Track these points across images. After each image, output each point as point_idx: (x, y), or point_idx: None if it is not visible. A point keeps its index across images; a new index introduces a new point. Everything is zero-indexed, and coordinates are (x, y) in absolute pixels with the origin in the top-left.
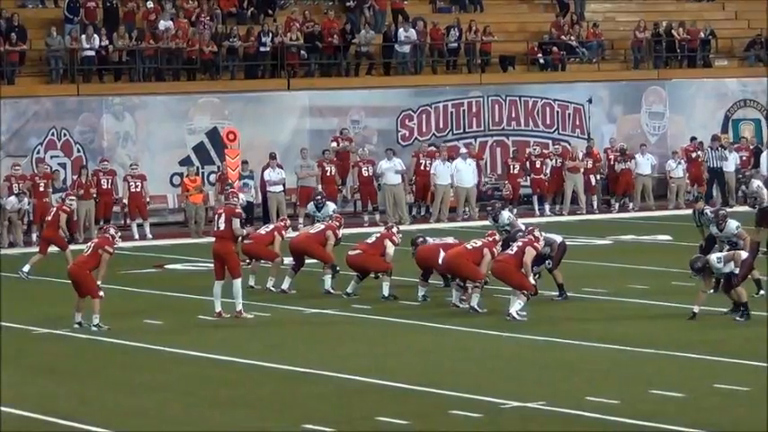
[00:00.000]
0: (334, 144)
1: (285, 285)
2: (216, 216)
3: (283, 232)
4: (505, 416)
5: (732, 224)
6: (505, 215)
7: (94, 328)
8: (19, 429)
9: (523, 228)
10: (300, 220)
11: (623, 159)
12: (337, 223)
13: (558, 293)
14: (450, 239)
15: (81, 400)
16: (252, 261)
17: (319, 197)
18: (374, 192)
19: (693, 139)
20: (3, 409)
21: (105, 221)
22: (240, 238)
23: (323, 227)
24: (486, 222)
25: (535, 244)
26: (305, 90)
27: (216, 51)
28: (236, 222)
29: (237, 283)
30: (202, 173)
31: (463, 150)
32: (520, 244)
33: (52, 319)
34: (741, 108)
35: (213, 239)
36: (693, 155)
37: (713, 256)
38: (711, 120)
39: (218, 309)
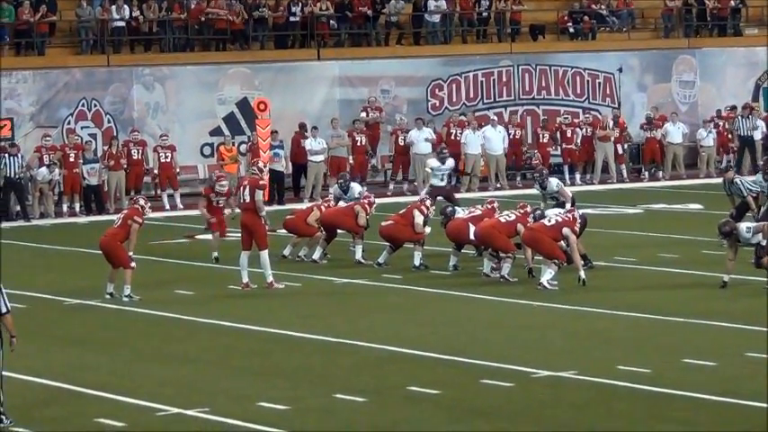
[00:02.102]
0: (364, 114)
1: (316, 255)
2: (241, 188)
3: (368, 208)
4: (536, 385)
5: None
6: (554, 182)
7: (126, 299)
8: (49, 399)
9: (570, 194)
10: (331, 190)
11: (650, 128)
12: (368, 206)
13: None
14: (477, 211)
15: (111, 370)
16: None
17: (342, 180)
18: (408, 162)
19: (734, 107)
20: (33, 379)
21: (136, 192)
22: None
23: (352, 203)
24: (516, 192)
25: (574, 227)
26: (335, 60)
27: (246, 21)
28: (259, 194)
29: (264, 254)
30: (232, 143)
31: (492, 117)
32: (560, 220)
33: (83, 289)
34: None
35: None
36: (721, 123)
37: (743, 225)
38: (742, 88)
39: (245, 279)
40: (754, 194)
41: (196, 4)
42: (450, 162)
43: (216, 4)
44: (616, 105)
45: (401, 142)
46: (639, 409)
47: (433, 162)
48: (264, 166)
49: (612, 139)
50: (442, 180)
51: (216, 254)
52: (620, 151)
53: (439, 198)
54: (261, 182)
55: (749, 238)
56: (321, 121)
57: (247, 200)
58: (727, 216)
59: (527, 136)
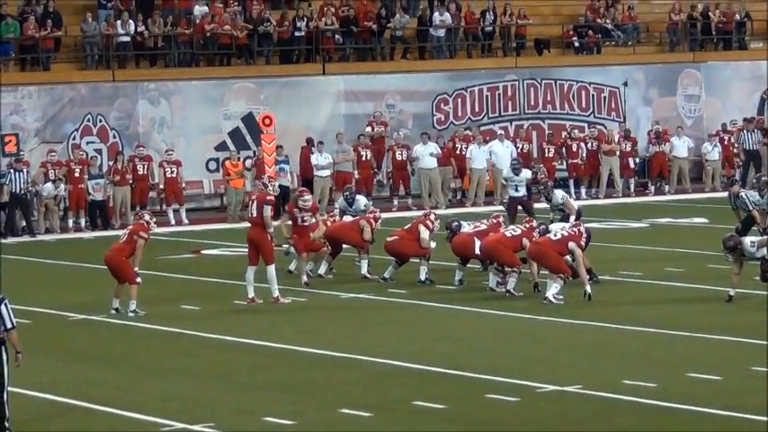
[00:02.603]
0: (369, 129)
1: (322, 270)
2: (250, 202)
3: (373, 223)
4: (542, 399)
5: None
6: (559, 194)
7: (131, 314)
8: (54, 414)
9: (575, 206)
10: (336, 204)
11: (657, 142)
12: (373, 220)
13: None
14: (483, 225)
15: (116, 385)
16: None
17: (348, 193)
18: (407, 176)
19: (745, 119)
20: (38, 395)
21: (141, 207)
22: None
23: (358, 217)
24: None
25: (580, 242)
26: (340, 75)
27: (251, 36)
28: (267, 210)
29: (271, 269)
30: (238, 158)
31: (500, 132)
32: (566, 234)
33: (88, 305)
34: None
35: (249, 225)
36: (725, 138)
37: (747, 239)
38: (747, 102)
39: (251, 294)
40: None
41: (201, 19)
42: (526, 173)
43: (220, 19)
44: (621, 119)
45: (399, 157)
46: (644, 423)
47: (508, 173)
48: (270, 181)
49: (618, 153)
50: (517, 190)
51: (305, 278)
52: (632, 165)
53: (441, 212)
54: (268, 197)
55: (754, 252)
56: (326, 135)
57: (254, 214)
58: (732, 230)
59: (533, 150)
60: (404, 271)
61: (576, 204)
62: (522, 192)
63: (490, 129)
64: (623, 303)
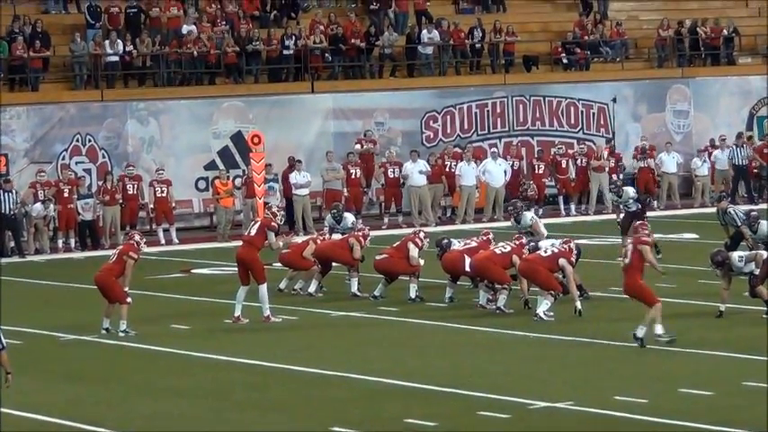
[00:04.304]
0: (358, 146)
1: (312, 288)
2: (252, 222)
3: (362, 240)
4: (534, 416)
5: (764, 225)
6: (528, 216)
7: (122, 334)
8: None
9: (545, 232)
10: (326, 223)
11: (643, 158)
12: (362, 238)
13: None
14: (473, 242)
15: (107, 405)
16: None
17: (335, 211)
18: (399, 194)
19: (751, 137)
20: (29, 415)
21: (131, 227)
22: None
23: (347, 236)
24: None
25: (570, 258)
26: (329, 93)
27: (239, 54)
28: (272, 236)
29: (263, 288)
30: (227, 177)
31: (492, 150)
32: (556, 251)
33: (79, 325)
34: (766, 105)
35: (239, 243)
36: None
37: (735, 255)
38: (736, 117)
39: (236, 313)
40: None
41: (185, 37)
42: (628, 191)
43: (207, 38)
44: (610, 135)
45: (391, 175)
46: None
47: (613, 197)
48: (279, 211)
49: (607, 169)
50: (629, 207)
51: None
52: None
53: (431, 230)
54: (273, 223)
55: (742, 267)
56: (315, 153)
57: (252, 233)
58: (721, 246)
59: (523, 167)
60: (394, 288)
61: (544, 229)
62: (635, 207)
63: (480, 146)
64: (614, 319)
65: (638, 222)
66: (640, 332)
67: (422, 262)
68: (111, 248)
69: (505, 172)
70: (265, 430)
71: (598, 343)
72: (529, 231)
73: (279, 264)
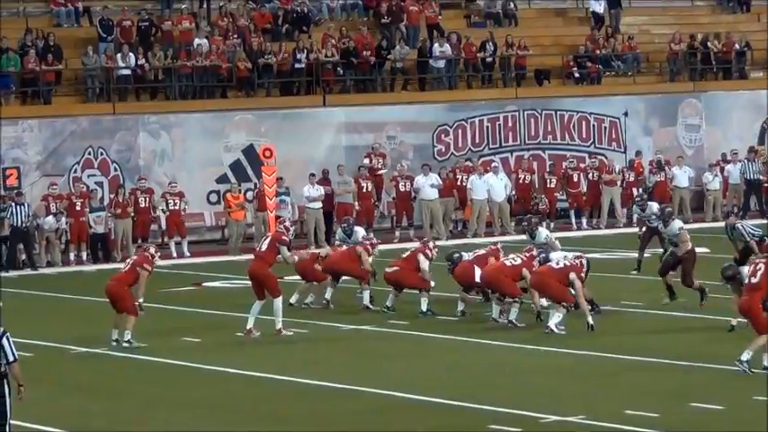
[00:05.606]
0: (367, 160)
1: (328, 295)
2: (263, 237)
3: (370, 249)
4: (545, 430)
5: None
6: (543, 233)
7: (125, 344)
8: None
9: (560, 247)
10: (336, 237)
11: (658, 171)
12: (370, 247)
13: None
14: (482, 251)
15: (118, 418)
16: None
17: (345, 224)
18: (411, 208)
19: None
20: (40, 427)
21: (143, 240)
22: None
23: (354, 245)
24: (524, 237)
25: (580, 274)
26: (340, 106)
27: (251, 68)
28: (284, 250)
29: (278, 302)
30: (239, 190)
31: (494, 164)
32: (568, 263)
33: (90, 338)
34: None
35: (250, 257)
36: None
37: (745, 269)
38: (748, 131)
39: (249, 325)
40: (757, 239)
41: (194, 51)
42: (652, 206)
43: (218, 51)
44: (622, 150)
45: (402, 188)
46: None
47: (637, 210)
48: (293, 226)
49: (620, 183)
50: (651, 222)
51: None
52: (635, 194)
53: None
54: (284, 237)
55: None
56: (327, 167)
57: (263, 249)
58: (731, 260)
59: (535, 180)
60: (405, 302)
61: (559, 246)
62: (656, 223)
63: (490, 160)
64: (625, 333)
65: None
66: (746, 356)
67: (433, 284)
68: (123, 261)
69: (506, 186)
70: None
71: (609, 357)
72: (542, 248)
73: (289, 277)
